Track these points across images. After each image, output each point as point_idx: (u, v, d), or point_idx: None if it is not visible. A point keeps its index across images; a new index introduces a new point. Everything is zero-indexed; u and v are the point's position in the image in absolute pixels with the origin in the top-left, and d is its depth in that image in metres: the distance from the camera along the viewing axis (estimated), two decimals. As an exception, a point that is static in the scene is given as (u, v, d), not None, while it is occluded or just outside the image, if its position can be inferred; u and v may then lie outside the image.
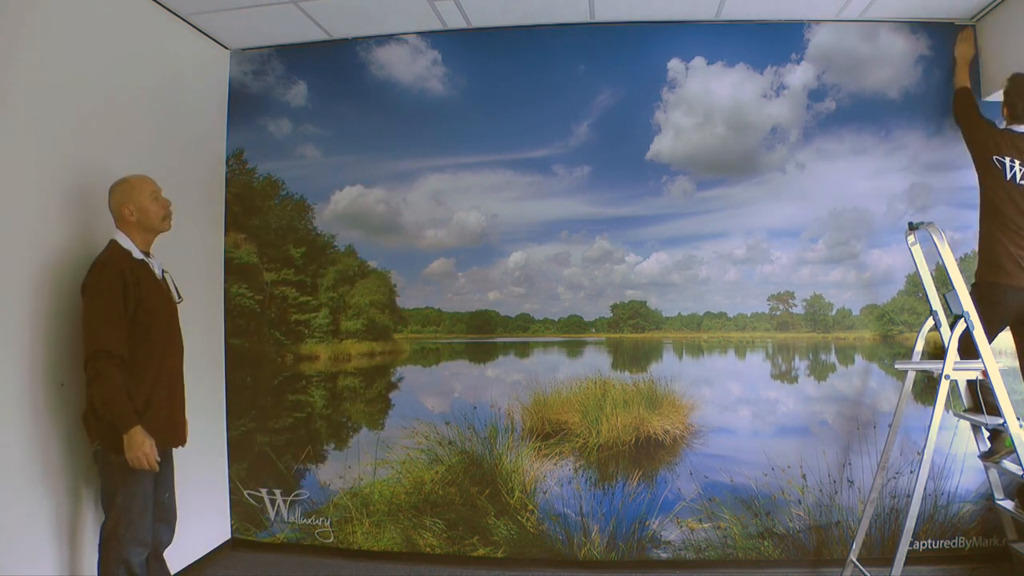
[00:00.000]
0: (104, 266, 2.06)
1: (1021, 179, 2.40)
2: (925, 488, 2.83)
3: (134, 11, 2.67)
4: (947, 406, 2.44)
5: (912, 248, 2.67)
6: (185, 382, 2.34)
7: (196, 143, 3.11)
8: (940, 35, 2.95)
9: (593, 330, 3.16)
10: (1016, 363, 2.53)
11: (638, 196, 3.07)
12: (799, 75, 3.02)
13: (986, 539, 2.82)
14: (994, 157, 2.46)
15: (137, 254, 2.14)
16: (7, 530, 2.02)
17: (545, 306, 3.17)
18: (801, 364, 3.05)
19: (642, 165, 3.04)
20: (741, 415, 3.01)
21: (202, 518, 3.02)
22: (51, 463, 2.18)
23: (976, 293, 2.47)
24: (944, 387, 2.37)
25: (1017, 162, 2.42)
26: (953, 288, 2.41)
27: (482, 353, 3.22)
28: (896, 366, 2.74)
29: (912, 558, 2.71)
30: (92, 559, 2.15)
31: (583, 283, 3.15)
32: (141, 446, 1.98)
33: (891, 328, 2.98)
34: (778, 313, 3.05)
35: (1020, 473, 2.36)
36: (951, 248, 2.65)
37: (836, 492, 2.92)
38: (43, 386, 2.16)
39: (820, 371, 3.04)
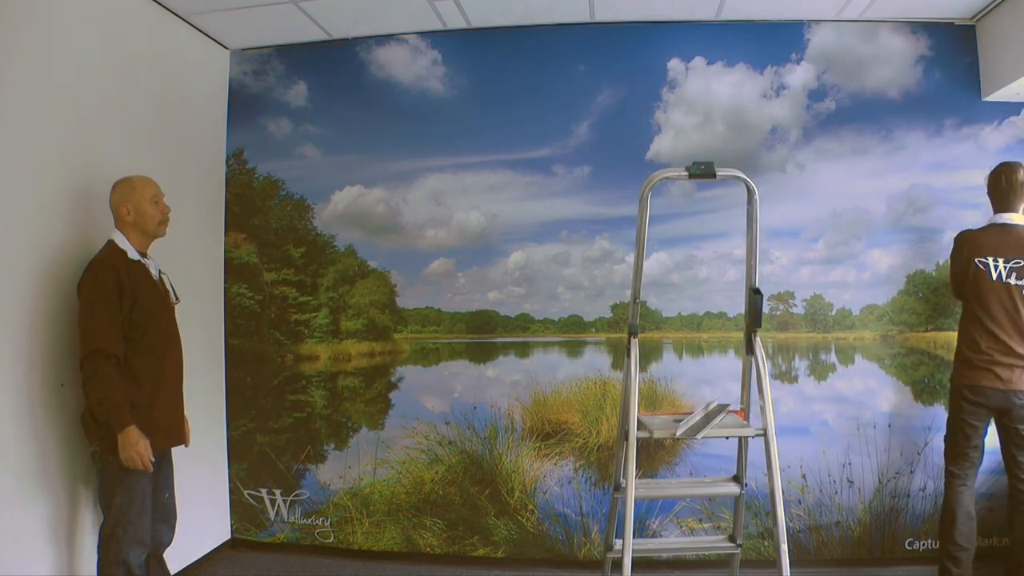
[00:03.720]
0: (99, 266, 2.06)
1: (1007, 277, 2.37)
2: (924, 488, 2.85)
3: (134, 11, 2.66)
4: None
5: None
6: (185, 382, 2.35)
7: (196, 143, 3.11)
8: (940, 35, 2.94)
9: (593, 330, 3.16)
10: None
11: (638, 196, 3.05)
12: (799, 75, 3.02)
13: (986, 539, 2.82)
14: (977, 261, 2.43)
15: (133, 254, 2.14)
16: (5, 531, 2.02)
17: (545, 306, 3.17)
18: (801, 364, 3.05)
19: (642, 165, 3.04)
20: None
21: (202, 518, 3.02)
22: (50, 463, 2.17)
23: (953, 395, 2.52)
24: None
25: (1000, 260, 2.38)
26: None
27: (482, 353, 3.22)
28: None
29: (912, 558, 2.72)
30: (91, 560, 2.15)
31: (583, 283, 3.15)
32: (135, 446, 1.98)
33: (891, 328, 2.98)
34: (778, 313, 3.05)
35: None
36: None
37: (836, 492, 2.92)
38: (42, 386, 2.16)
39: (820, 371, 3.04)
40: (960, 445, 2.48)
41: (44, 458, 2.15)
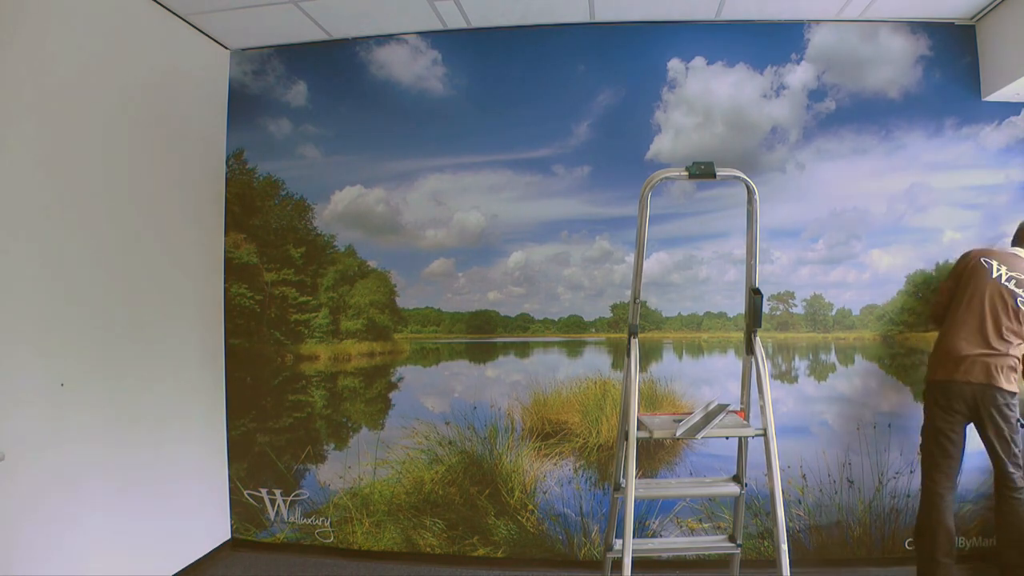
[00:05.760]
0: None
1: (1006, 281, 2.48)
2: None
3: (134, 11, 2.66)
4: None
5: None
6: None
7: (196, 143, 3.10)
8: (940, 35, 2.95)
9: (593, 330, 3.16)
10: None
11: (638, 196, 3.06)
12: (799, 75, 3.02)
13: (986, 539, 2.82)
14: (982, 259, 2.56)
15: None
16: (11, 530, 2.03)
17: (545, 306, 3.17)
18: (801, 364, 3.05)
19: (642, 165, 3.04)
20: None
21: (202, 518, 3.02)
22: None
23: (927, 398, 2.59)
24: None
25: (1004, 268, 2.51)
26: None
27: (482, 353, 3.22)
28: None
29: (912, 558, 2.71)
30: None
31: (583, 283, 3.15)
32: None
33: (891, 328, 2.98)
34: (778, 313, 3.05)
35: None
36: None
37: (836, 492, 2.92)
38: (40, 387, 2.16)
39: (820, 371, 3.04)
40: (936, 457, 2.50)
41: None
